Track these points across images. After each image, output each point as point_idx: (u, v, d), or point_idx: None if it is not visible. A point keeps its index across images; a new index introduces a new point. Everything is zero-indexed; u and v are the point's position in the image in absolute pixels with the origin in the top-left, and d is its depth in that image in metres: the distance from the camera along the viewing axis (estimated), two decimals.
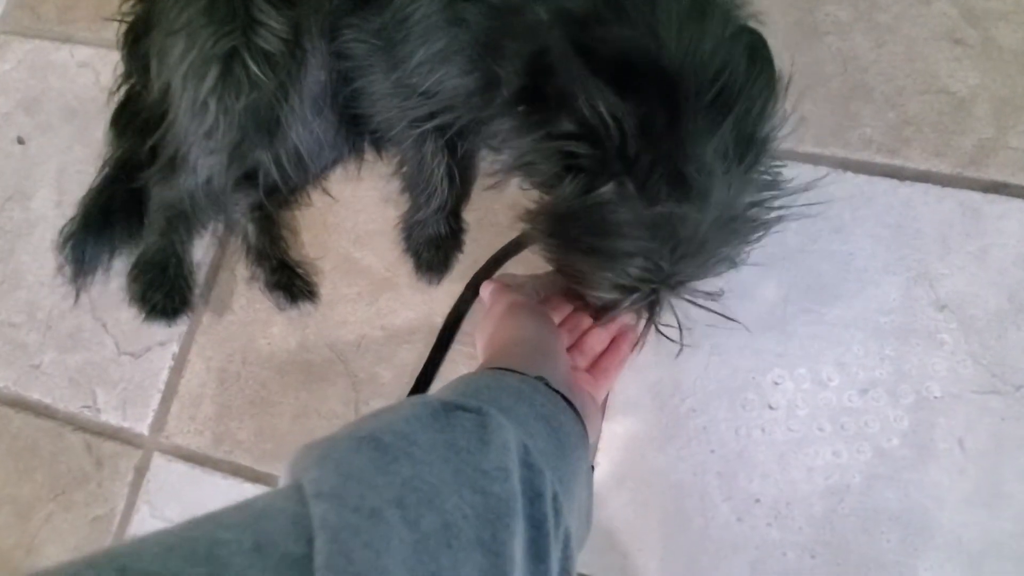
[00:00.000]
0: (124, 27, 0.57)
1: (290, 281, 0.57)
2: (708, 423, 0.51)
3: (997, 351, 0.49)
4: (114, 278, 0.61)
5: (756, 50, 0.37)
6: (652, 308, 0.42)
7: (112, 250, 0.57)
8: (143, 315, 0.56)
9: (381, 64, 0.45)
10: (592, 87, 0.33)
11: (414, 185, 0.54)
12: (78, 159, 0.66)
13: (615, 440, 0.52)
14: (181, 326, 0.58)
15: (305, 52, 0.49)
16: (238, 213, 0.58)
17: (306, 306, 0.57)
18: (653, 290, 0.40)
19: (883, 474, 0.49)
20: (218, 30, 0.48)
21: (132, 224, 0.57)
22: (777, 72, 0.38)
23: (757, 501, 0.50)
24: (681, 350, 0.47)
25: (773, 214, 0.41)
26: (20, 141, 0.68)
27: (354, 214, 0.60)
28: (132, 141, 0.57)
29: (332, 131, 0.56)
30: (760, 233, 0.41)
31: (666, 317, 0.44)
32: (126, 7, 0.56)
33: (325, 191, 0.60)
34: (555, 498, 0.30)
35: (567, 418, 0.37)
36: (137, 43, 0.55)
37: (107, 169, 0.58)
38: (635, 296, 0.41)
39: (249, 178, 0.55)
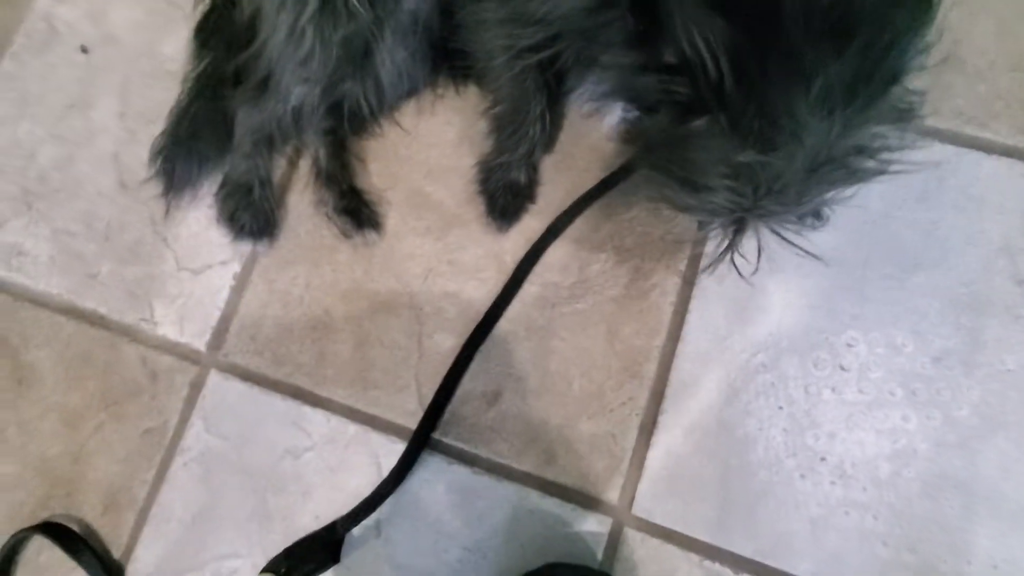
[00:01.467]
0: None
1: (358, 208, 0.57)
2: (777, 379, 0.51)
3: None
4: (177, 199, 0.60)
5: None
6: (736, 234, 0.42)
7: (201, 165, 0.57)
8: (232, 235, 0.56)
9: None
10: (689, 11, 0.33)
11: (504, 126, 0.53)
12: (144, 72, 0.64)
13: (683, 389, 0.52)
14: (245, 247, 0.58)
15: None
16: (313, 135, 0.57)
17: (371, 235, 0.56)
18: (738, 218, 0.40)
19: (951, 442, 0.49)
20: None
21: (219, 140, 0.56)
22: None
23: (823, 459, 0.50)
24: (756, 271, 0.46)
25: (877, 164, 0.40)
26: (84, 50, 0.67)
27: (426, 148, 0.59)
28: (216, 55, 0.56)
29: (412, 62, 0.55)
30: (857, 183, 0.41)
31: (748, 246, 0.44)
32: None
33: (397, 123, 0.60)
34: None
35: None
36: None
37: (190, 83, 0.57)
38: (721, 220, 0.41)
39: (333, 106, 0.54)
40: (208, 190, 0.58)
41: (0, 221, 0.62)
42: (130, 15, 0.67)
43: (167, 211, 0.58)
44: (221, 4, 0.57)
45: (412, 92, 0.59)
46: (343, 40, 0.49)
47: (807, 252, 0.44)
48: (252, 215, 0.56)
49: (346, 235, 0.57)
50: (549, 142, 0.56)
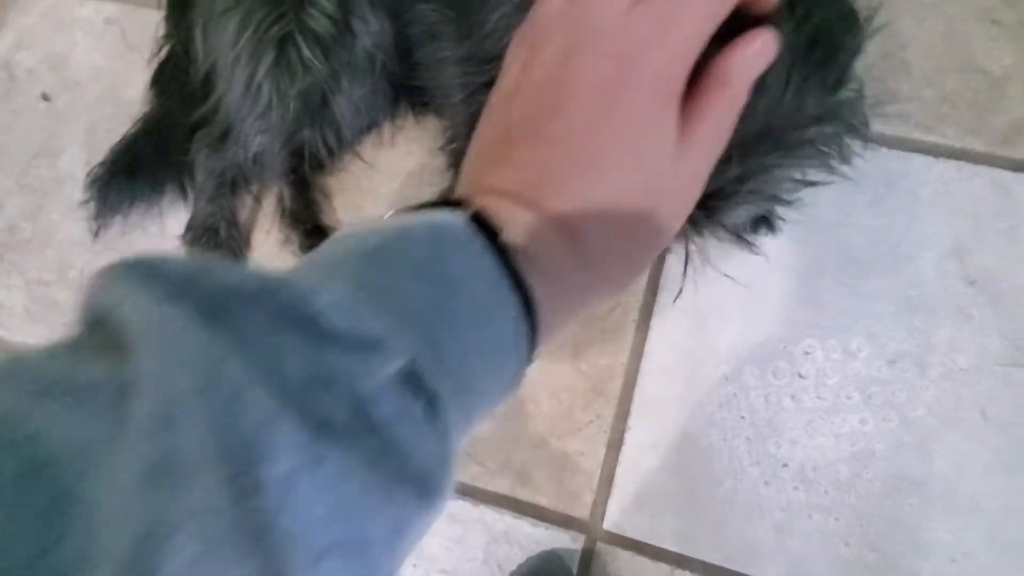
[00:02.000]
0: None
1: (312, 236, 0.58)
2: (739, 390, 0.53)
3: (1023, 325, 0.51)
4: (144, 239, 0.61)
5: None
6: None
7: (133, 199, 0.58)
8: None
9: (452, 32, 0.45)
10: None
11: (463, 161, 0.54)
12: (107, 117, 0.65)
13: (648, 405, 0.53)
14: None
15: (356, 34, 0.49)
16: (275, 177, 0.58)
17: None
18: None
19: (908, 442, 0.50)
20: (272, 11, 0.48)
21: (157, 179, 0.57)
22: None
23: (784, 466, 0.51)
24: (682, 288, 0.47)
25: (833, 147, 0.37)
26: (45, 98, 0.67)
27: (389, 180, 0.60)
28: (172, 101, 0.57)
29: (372, 98, 0.56)
30: (816, 161, 0.37)
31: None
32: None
33: (359, 156, 0.60)
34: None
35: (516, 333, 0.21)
36: (184, 13, 0.54)
37: (141, 124, 0.58)
38: None
39: (294, 150, 0.55)
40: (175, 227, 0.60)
41: None
42: (90, 60, 0.68)
43: (95, 234, 0.60)
44: (178, 54, 0.57)
45: (372, 126, 0.59)
46: (300, 93, 0.50)
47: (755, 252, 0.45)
48: (220, 256, 0.57)
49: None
50: None
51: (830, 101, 0.37)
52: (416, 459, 0.17)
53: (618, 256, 0.25)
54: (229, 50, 0.50)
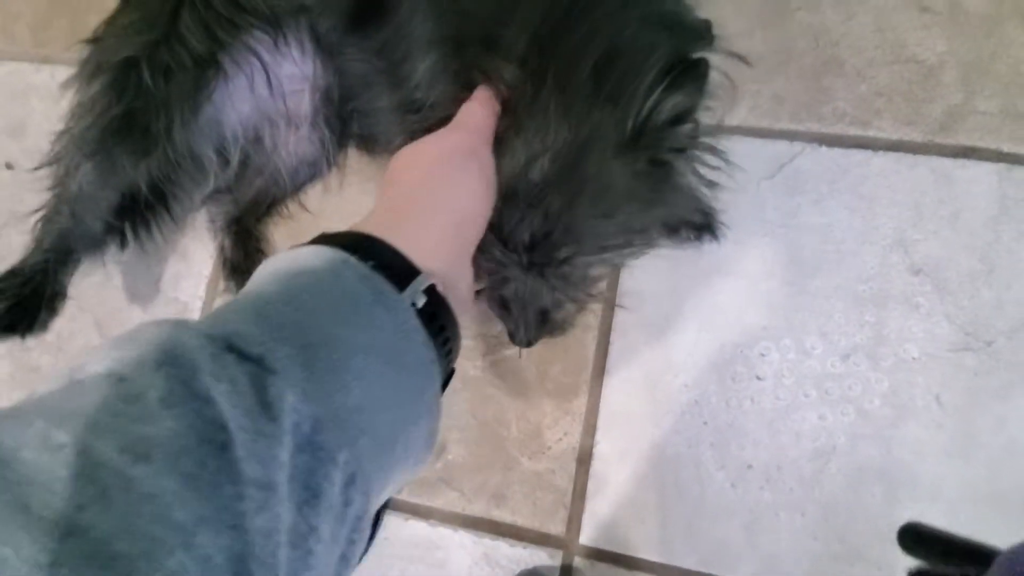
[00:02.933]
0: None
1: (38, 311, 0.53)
2: (700, 397, 0.54)
3: (970, 310, 0.52)
4: (119, 292, 0.63)
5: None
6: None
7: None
8: None
9: (383, 83, 0.46)
10: None
11: None
12: None
13: (614, 419, 0.55)
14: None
15: (225, 73, 0.49)
16: (216, 227, 0.59)
17: None
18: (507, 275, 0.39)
19: (866, 434, 0.52)
20: (139, 34, 0.48)
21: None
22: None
23: (749, 467, 0.53)
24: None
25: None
26: (8, 166, 0.69)
27: (337, 225, 0.61)
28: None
29: (313, 147, 0.57)
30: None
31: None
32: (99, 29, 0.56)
33: (303, 205, 0.62)
34: (347, 485, 0.23)
35: (418, 347, 0.27)
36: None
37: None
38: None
39: (219, 192, 0.56)
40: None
41: None
42: (49, 126, 0.69)
43: None
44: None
45: (316, 176, 0.60)
46: (124, 114, 0.49)
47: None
48: (16, 311, 0.53)
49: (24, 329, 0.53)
50: None
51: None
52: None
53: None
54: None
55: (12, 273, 0.54)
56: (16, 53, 0.72)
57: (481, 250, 0.36)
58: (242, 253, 0.59)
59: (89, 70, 0.49)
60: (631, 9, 0.37)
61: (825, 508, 0.51)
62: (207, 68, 0.47)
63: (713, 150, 0.40)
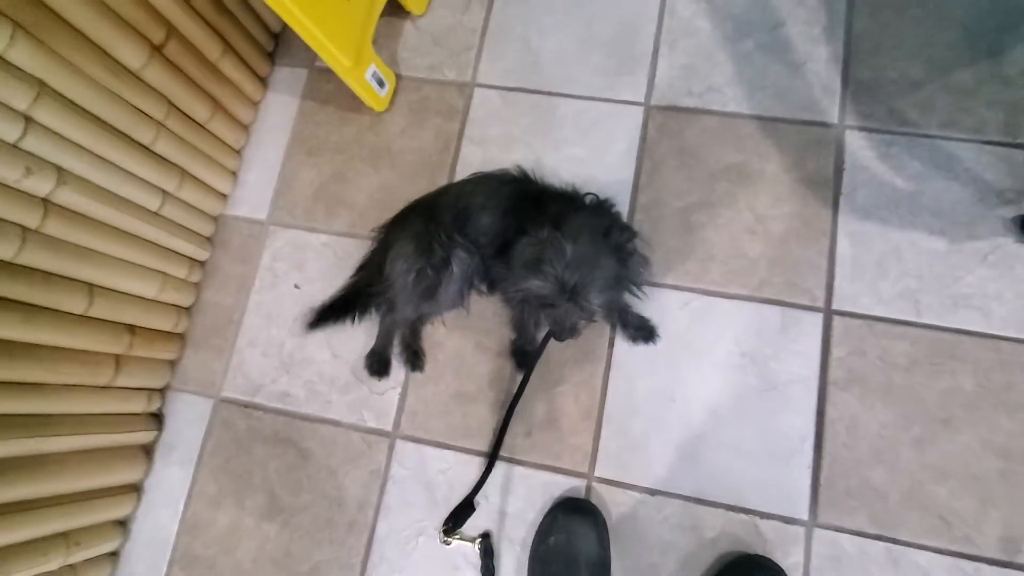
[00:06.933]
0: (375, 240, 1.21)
1: (418, 358, 1.21)
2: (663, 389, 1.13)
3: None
4: (352, 361, 1.24)
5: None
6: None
7: (333, 321, 1.23)
8: (370, 376, 1.22)
9: (507, 275, 1.07)
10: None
11: (516, 327, 1.18)
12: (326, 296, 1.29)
13: (619, 402, 1.14)
14: (399, 378, 1.22)
15: (451, 268, 1.10)
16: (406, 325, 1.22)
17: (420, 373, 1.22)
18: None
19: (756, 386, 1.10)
20: (417, 253, 1.11)
21: (347, 315, 1.22)
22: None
23: (673, 401, 1.11)
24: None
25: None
26: (296, 287, 1.32)
27: (460, 333, 1.23)
28: (365, 278, 1.21)
29: (457, 295, 1.18)
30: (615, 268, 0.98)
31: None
32: (372, 233, 1.20)
33: (442, 320, 1.23)
34: None
35: None
36: (384, 247, 1.18)
37: (348, 286, 1.24)
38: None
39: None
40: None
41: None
42: (318, 265, 1.32)
43: (307, 329, 1.26)
44: (375, 258, 1.21)
45: (455, 306, 1.21)
46: (425, 288, 1.10)
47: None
48: (382, 367, 1.21)
49: (410, 368, 1.21)
50: (531, 337, 1.19)
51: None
52: None
53: None
54: (397, 268, 1.13)
55: (374, 351, 1.22)
56: (294, 223, 1.35)
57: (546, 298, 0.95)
58: (412, 338, 1.21)
59: (404, 268, 1.11)
60: (593, 218, 0.96)
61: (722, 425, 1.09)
62: (448, 264, 1.10)
63: (643, 258, 1.01)
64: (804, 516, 1.08)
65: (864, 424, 1.10)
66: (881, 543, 1.05)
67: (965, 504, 1.05)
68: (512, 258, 0.98)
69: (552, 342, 1.05)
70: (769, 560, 1.03)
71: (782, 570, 1.02)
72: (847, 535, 1.06)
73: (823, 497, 1.08)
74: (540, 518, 1.11)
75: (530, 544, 1.10)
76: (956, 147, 1.21)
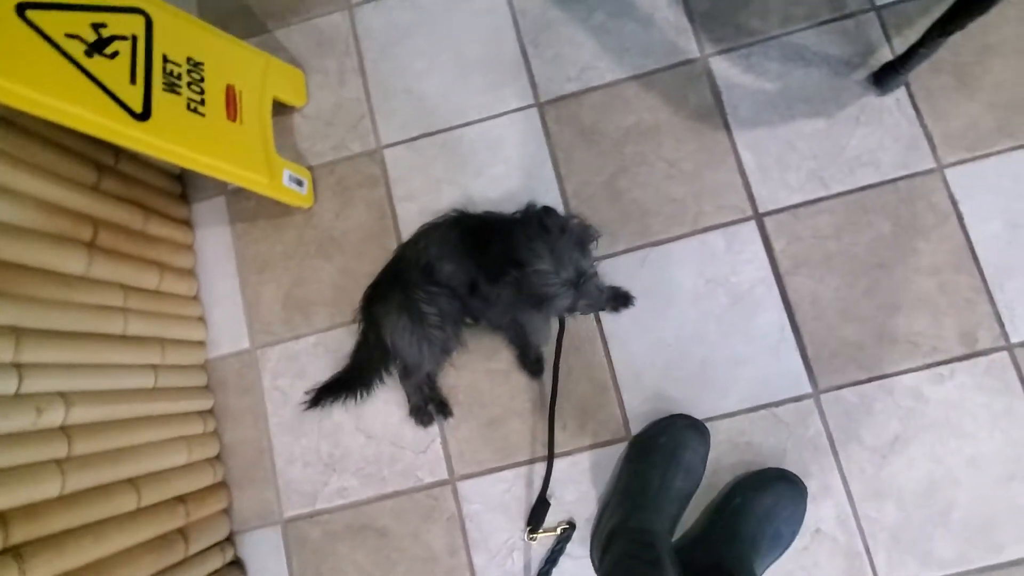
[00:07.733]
0: (360, 324, 1.29)
1: (443, 408, 1.32)
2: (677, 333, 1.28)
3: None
4: (378, 424, 1.34)
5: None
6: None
7: (332, 400, 1.31)
8: (423, 426, 1.32)
9: (489, 308, 1.17)
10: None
11: (514, 341, 1.29)
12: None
13: (628, 376, 1.28)
14: (433, 431, 1.32)
15: (446, 325, 1.20)
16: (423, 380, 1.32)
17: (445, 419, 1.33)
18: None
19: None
20: (413, 323, 1.20)
21: (350, 393, 1.30)
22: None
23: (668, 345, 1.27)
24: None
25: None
26: (307, 394, 1.39)
27: (471, 364, 1.33)
28: (362, 355, 1.30)
29: (456, 336, 1.28)
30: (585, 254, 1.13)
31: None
32: (354, 315, 1.28)
33: (451, 364, 1.33)
34: None
35: None
36: (371, 323, 1.26)
37: (344, 370, 1.32)
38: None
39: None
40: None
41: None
42: (314, 366, 1.39)
43: (311, 406, 1.34)
44: (366, 336, 1.29)
45: (456, 349, 1.32)
46: (433, 349, 1.22)
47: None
48: (421, 416, 1.31)
49: (441, 417, 1.32)
50: (533, 344, 1.31)
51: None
52: None
53: None
54: (404, 342, 1.22)
55: (414, 407, 1.32)
56: (277, 340, 1.42)
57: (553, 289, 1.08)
58: (432, 391, 1.32)
59: (406, 336, 1.20)
60: (548, 220, 1.09)
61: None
62: (444, 323, 1.20)
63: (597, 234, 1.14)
64: (808, 389, 1.25)
65: (822, 295, 1.28)
66: (874, 383, 1.24)
67: (921, 323, 1.25)
68: (519, 297, 1.08)
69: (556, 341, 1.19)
70: (789, 472, 1.17)
71: (799, 479, 1.17)
72: (846, 389, 1.25)
73: (816, 367, 1.26)
74: (603, 494, 1.25)
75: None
76: (800, 37, 1.38)
